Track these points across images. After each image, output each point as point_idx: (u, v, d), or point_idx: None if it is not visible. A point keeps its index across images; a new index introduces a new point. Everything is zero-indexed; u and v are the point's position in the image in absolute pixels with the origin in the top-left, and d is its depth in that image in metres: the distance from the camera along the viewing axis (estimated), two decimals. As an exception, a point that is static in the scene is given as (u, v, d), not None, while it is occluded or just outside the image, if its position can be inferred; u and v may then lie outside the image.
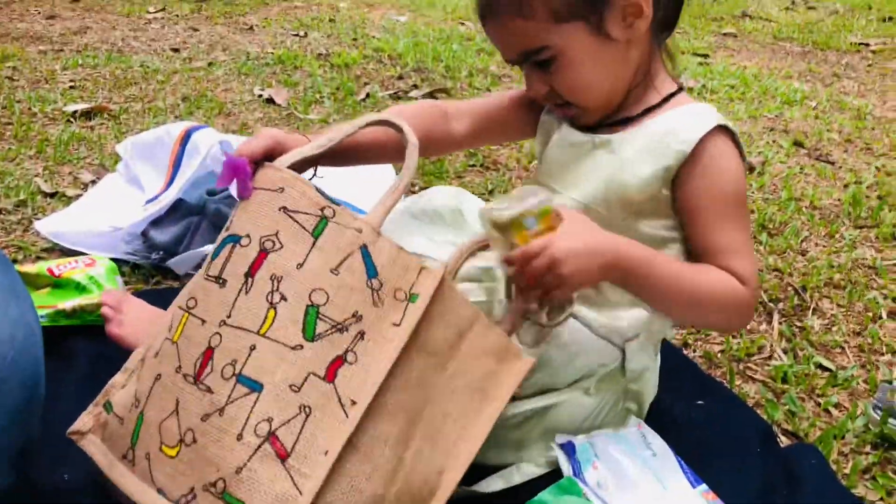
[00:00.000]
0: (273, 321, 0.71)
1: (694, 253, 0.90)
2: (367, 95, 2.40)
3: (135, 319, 0.99)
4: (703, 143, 0.85)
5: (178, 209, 1.33)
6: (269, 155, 0.82)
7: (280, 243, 0.74)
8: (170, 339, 0.75)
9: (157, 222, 1.30)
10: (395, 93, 2.46)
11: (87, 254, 1.25)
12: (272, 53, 2.86)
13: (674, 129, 0.87)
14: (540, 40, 0.84)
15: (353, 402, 0.69)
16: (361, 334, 0.71)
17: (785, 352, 1.21)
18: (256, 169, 0.79)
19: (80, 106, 2.09)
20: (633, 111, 0.91)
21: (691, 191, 0.87)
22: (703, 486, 0.88)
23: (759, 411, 1.06)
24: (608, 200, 0.89)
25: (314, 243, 0.74)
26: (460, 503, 0.80)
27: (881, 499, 0.92)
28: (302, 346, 0.70)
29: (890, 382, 1.05)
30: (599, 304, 0.91)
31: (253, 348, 0.70)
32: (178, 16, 3.50)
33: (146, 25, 3.26)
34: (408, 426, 0.72)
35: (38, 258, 1.29)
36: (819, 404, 1.09)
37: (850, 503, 0.89)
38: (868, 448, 1.00)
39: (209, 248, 1.24)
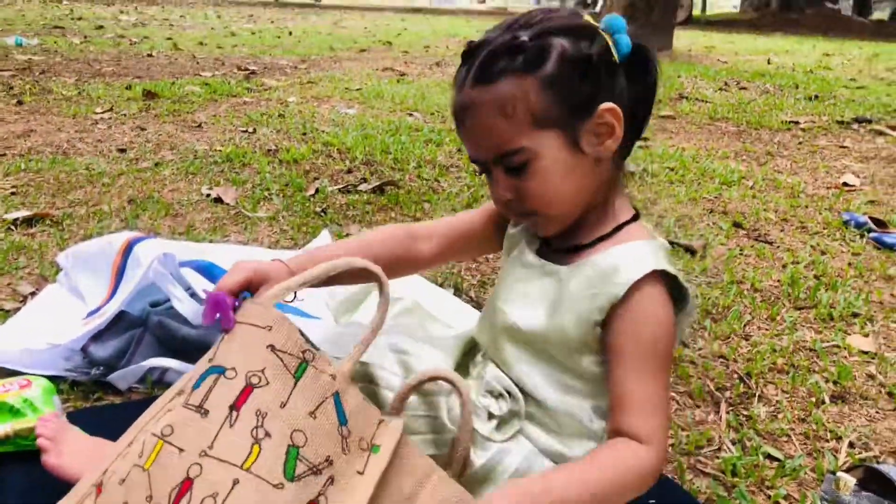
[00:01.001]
0: (258, 457, 0.71)
1: (610, 403, 0.88)
2: (317, 191, 2.43)
3: (74, 449, 0.95)
4: (636, 286, 0.85)
5: (120, 321, 1.30)
6: (248, 286, 0.85)
7: (266, 380, 0.76)
8: (140, 465, 0.73)
9: (97, 337, 1.27)
10: (344, 187, 2.49)
11: (23, 373, 1.21)
12: (220, 151, 2.88)
13: (614, 268, 0.87)
14: (517, 142, 0.85)
15: None
16: (332, 479, 0.73)
17: (734, 442, 1.22)
18: (236, 301, 0.82)
19: (22, 213, 2.06)
20: (586, 238, 0.92)
21: (615, 334, 0.87)
22: None
23: (711, 508, 1.06)
24: (548, 333, 0.90)
25: (296, 384, 0.76)
26: None
27: None
28: (283, 486, 0.71)
29: (834, 473, 1.06)
30: (554, 430, 0.92)
31: (236, 482, 0.70)
32: (125, 115, 3.52)
33: (93, 126, 3.26)
34: None
35: (-30, 381, 1.25)
36: (769, 496, 1.09)
37: None
38: (819, 541, 1.01)
39: (153, 362, 1.23)
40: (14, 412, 1.06)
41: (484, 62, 0.84)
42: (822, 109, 4.37)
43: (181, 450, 0.72)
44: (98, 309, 1.34)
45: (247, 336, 0.79)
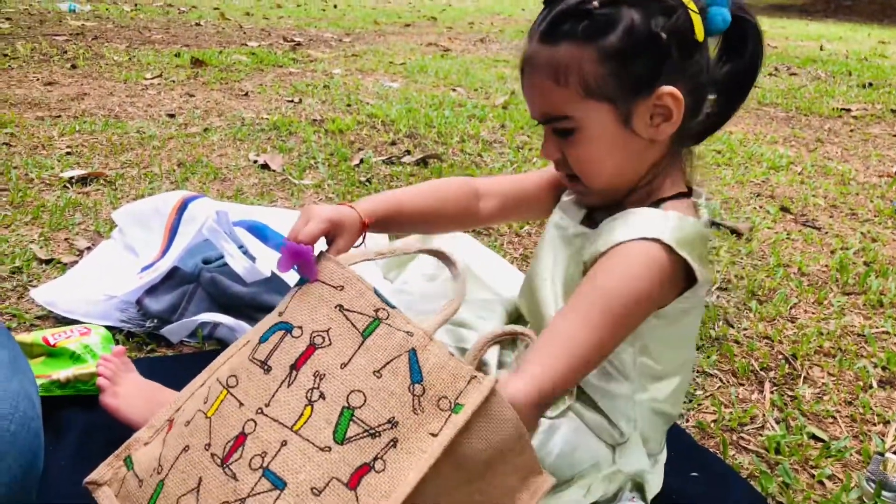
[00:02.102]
0: (308, 419, 0.70)
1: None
2: (361, 161, 2.44)
3: (131, 391, 0.99)
4: (621, 244, 0.82)
5: (173, 277, 1.33)
6: (326, 235, 0.85)
7: (329, 340, 0.75)
8: (204, 412, 0.75)
9: (151, 291, 1.31)
10: (388, 158, 2.50)
11: (81, 322, 1.26)
12: (267, 119, 2.92)
13: (611, 228, 0.85)
14: (564, 109, 0.84)
15: None
16: (394, 442, 0.69)
17: (777, 421, 1.21)
18: (314, 252, 0.81)
19: (77, 172, 2.11)
20: (629, 206, 0.89)
21: (582, 281, 0.83)
22: (699, 563, 0.87)
23: (752, 483, 1.06)
24: (569, 293, 0.89)
25: (362, 343, 0.74)
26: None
27: (878, 575, 0.92)
28: (330, 449, 0.69)
29: (882, 454, 1.05)
30: (594, 404, 0.92)
31: (284, 444, 0.70)
32: (174, 82, 3.57)
33: (143, 91, 3.32)
34: None
35: (33, 326, 1.29)
36: (813, 476, 1.09)
37: (848, 580, 0.88)
38: (863, 522, 1.00)
39: (204, 317, 1.26)
40: (75, 358, 1.10)
41: (552, 20, 0.82)
42: (876, 97, 4.25)
43: (241, 403, 0.74)
44: (151, 264, 1.38)
45: (317, 294, 0.79)
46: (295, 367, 0.74)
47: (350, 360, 0.73)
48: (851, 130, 3.44)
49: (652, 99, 0.82)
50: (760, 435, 1.18)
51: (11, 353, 0.75)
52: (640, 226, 0.83)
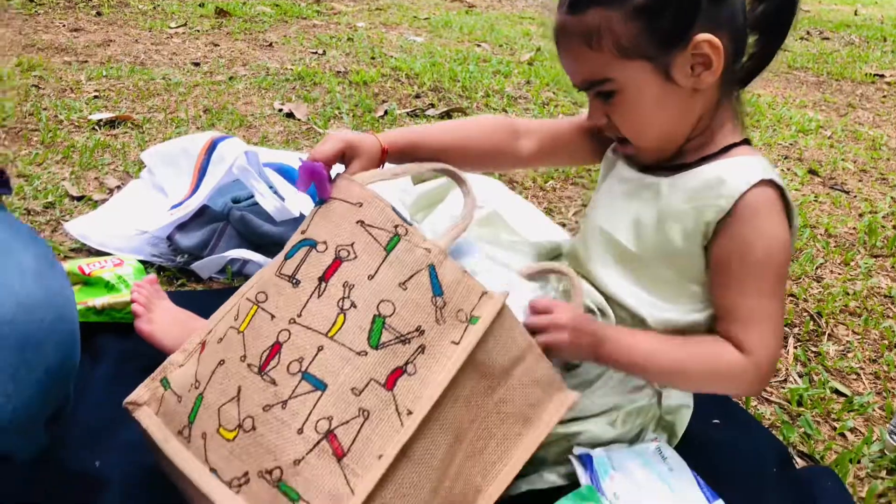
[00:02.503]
0: (342, 326, 0.74)
1: (715, 313, 0.88)
2: (385, 112, 2.43)
3: (164, 317, 1.01)
4: (744, 198, 0.82)
5: (203, 215, 1.35)
6: (342, 157, 0.86)
7: (355, 253, 0.77)
8: (236, 328, 0.78)
9: (182, 227, 1.32)
10: (412, 111, 2.49)
11: (114, 254, 1.28)
12: (291, 70, 2.90)
13: (719, 179, 0.84)
14: (604, 72, 0.84)
15: (410, 413, 0.71)
16: (422, 348, 0.73)
17: (800, 375, 1.21)
18: (330, 171, 0.84)
19: (105, 115, 2.12)
20: (689, 159, 0.89)
21: (723, 246, 0.85)
22: (720, 502, 0.88)
23: (774, 433, 1.07)
24: (655, 249, 0.89)
25: (386, 257, 0.77)
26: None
27: (897, 523, 0.93)
28: (366, 353, 0.72)
29: (906, 407, 1.05)
30: None
31: (320, 349, 0.73)
32: (198, 31, 3.55)
33: (167, 40, 3.30)
34: (454, 442, 0.74)
35: (67, 258, 1.32)
36: (834, 428, 1.09)
37: (867, 525, 0.89)
38: (884, 473, 1.01)
39: (233, 253, 1.27)
40: (109, 287, 1.12)
41: None
42: (910, 65, 4.16)
43: (272, 315, 0.77)
44: (181, 202, 1.39)
45: (338, 211, 0.81)
46: (323, 278, 0.77)
47: (377, 272, 0.76)
48: (884, 96, 3.37)
49: (689, 49, 0.81)
50: (783, 388, 1.18)
51: (45, 251, 0.76)
52: (745, 169, 0.84)
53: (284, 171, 1.41)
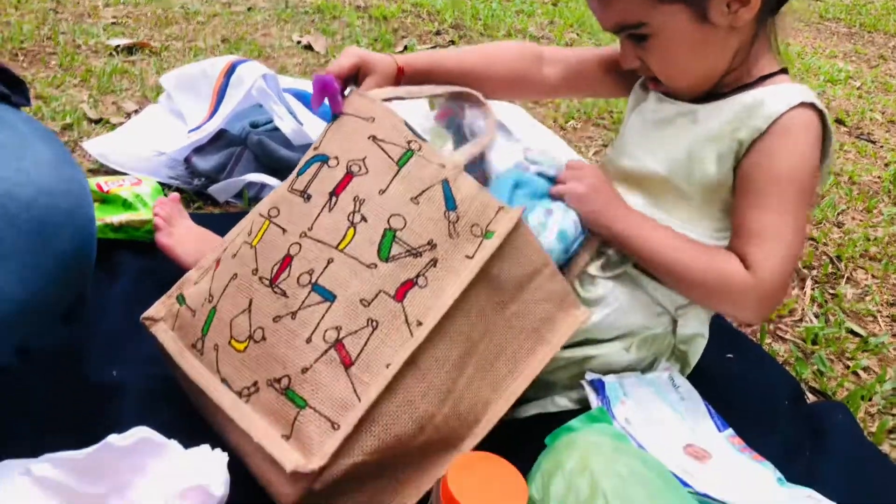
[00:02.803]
0: (352, 239, 0.73)
1: (732, 231, 0.87)
2: (405, 48, 2.40)
3: (184, 233, 1.01)
4: (781, 118, 0.81)
5: (220, 138, 1.34)
6: (356, 71, 0.85)
7: (366, 168, 0.76)
8: (248, 243, 0.78)
9: (199, 150, 1.32)
10: (432, 47, 2.45)
11: (131, 174, 1.28)
12: (311, 2, 2.85)
13: (759, 102, 0.83)
14: (638, 16, 0.82)
15: (419, 323, 0.70)
16: (434, 261, 0.73)
17: (816, 316, 1.21)
18: (345, 86, 0.83)
19: (123, 41, 2.10)
20: (726, 90, 0.88)
21: (750, 163, 0.83)
22: (730, 431, 0.89)
23: (787, 369, 1.07)
24: (687, 173, 0.87)
25: (398, 172, 0.76)
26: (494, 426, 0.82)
27: (906, 458, 0.93)
28: (376, 265, 0.72)
29: (922, 348, 1.05)
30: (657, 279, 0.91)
31: (330, 261, 0.73)
32: (218, -39, 3.49)
33: (187, -31, 3.25)
34: (465, 354, 0.74)
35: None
36: (848, 367, 1.09)
37: (876, 458, 0.90)
38: (895, 410, 1.01)
39: (251, 177, 1.27)
40: (127, 205, 1.12)
41: None
42: (946, 18, 4.03)
43: (284, 230, 0.77)
44: (200, 126, 1.38)
45: (350, 126, 0.80)
46: (334, 193, 0.76)
47: (388, 186, 0.75)
48: (917, 49, 3.28)
49: None
50: (798, 327, 1.18)
51: (61, 149, 0.75)
52: (785, 93, 0.82)
53: (303, 97, 1.40)
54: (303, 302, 0.72)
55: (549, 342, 0.79)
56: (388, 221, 0.74)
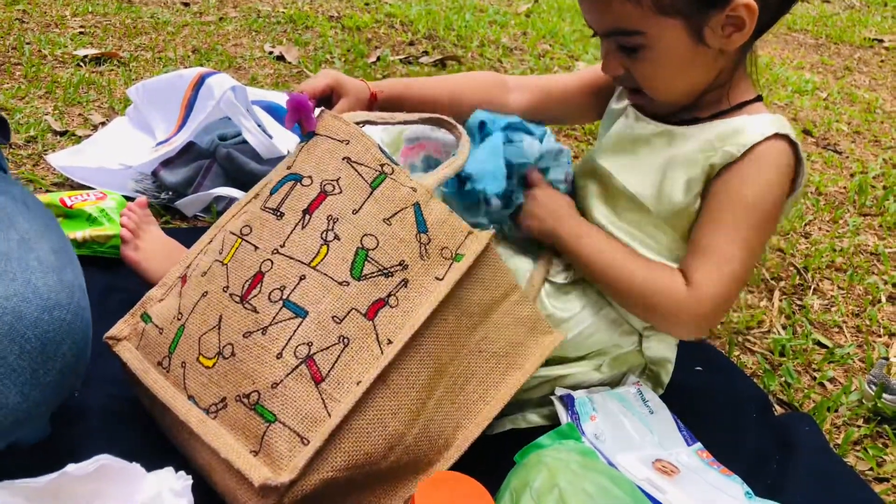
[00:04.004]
0: (325, 256, 0.74)
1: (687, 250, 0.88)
2: (378, 59, 2.39)
3: (152, 247, 0.99)
4: (756, 147, 0.82)
5: (189, 152, 1.32)
6: (329, 93, 0.87)
7: (339, 188, 0.77)
8: (220, 261, 0.78)
9: (167, 163, 1.30)
10: (405, 58, 2.45)
11: (96, 189, 1.26)
12: (283, 12, 2.84)
13: (736, 130, 0.84)
14: (635, 24, 0.81)
15: (390, 342, 0.71)
16: (405, 282, 0.74)
17: (784, 327, 1.22)
18: (317, 106, 0.84)
19: (91, 51, 2.07)
20: (704, 114, 0.89)
21: (717, 186, 0.85)
22: (698, 445, 0.89)
23: (755, 381, 1.08)
24: (657, 194, 0.88)
25: (371, 193, 0.77)
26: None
27: (871, 469, 0.94)
28: (348, 283, 0.72)
29: (886, 359, 1.06)
30: None
31: (302, 278, 0.73)
32: (190, -30, 3.46)
33: (158, -22, 3.22)
34: (434, 376, 0.74)
35: (48, 192, 1.29)
36: (815, 378, 1.10)
37: (841, 469, 0.90)
38: (860, 422, 1.02)
39: (219, 191, 1.26)
40: (91, 220, 1.11)
41: None
42: (910, 30, 4.12)
43: (256, 247, 0.77)
44: (168, 139, 1.37)
45: (323, 147, 0.80)
46: (308, 211, 0.77)
47: (361, 207, 0.76)
48: (882, 61, 3.35)
49: (726, 11, 0.80)
50: (766, 338, 1.19)
51: (61, 241, 0.76)
52: (762, 123, 0.84)
53: (273, 110, 1.39)
54: (274, 317, 0.71)
55: (521, 367, 0.80)
56: (361, 241, 0.74)
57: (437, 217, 0.77)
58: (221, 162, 1.30)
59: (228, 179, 1.30)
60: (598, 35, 0.87)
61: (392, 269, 0.74)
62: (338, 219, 0.75)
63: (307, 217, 0.76)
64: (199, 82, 1.38)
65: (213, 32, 2.48)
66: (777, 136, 0.83)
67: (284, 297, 0.72)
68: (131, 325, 0.83)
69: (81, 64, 1.99)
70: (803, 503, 0.83)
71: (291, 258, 0.74)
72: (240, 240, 0.78)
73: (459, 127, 0.89)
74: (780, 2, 0.85)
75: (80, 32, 2.29)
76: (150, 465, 0.69)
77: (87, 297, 0.74)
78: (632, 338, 0.93)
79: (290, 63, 2.25)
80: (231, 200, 1.26)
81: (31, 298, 0.64)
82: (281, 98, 1.61)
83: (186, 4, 2.82)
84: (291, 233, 0.76)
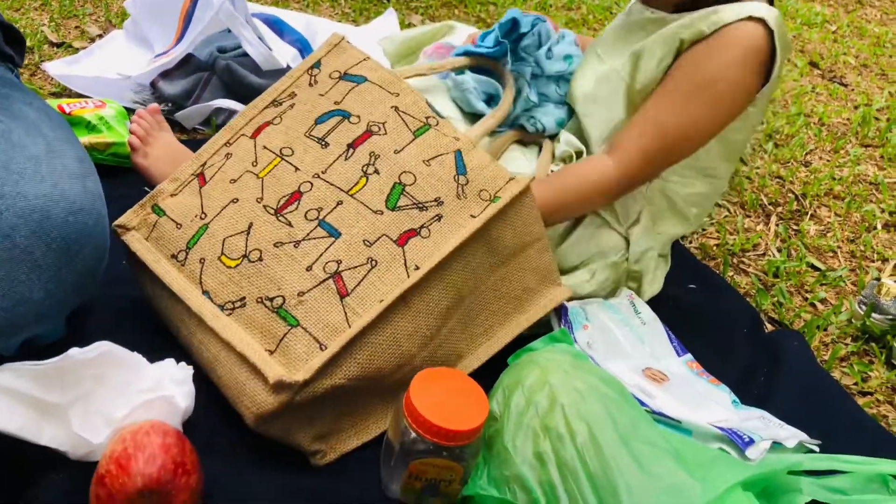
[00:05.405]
0: (363, 187, 0.77)
1: None
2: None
3: (161, 153, 0.98)
4: (726, 27, 0.82)
5: (188, 63, 1.31)
6: None
7: (385, 130, 0.80)
8: (254, 173, 0.80)
9: (166, 74, 1.29)
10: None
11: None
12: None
13: (714, 11, 0.84)
14: None
15: (417, 268, 0.73)
16: (439, 217, 0.76)
17: (779, 250, 1.23)
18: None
19: (86, -37, 2.02)
20: (704, 4, 0.88)
21: (679, 62, 0.85)
22: (689, 356, 0.91)
23: (748, 300, 1.09)
24: (633, 68, 0.89)
25: (414, 139, 0.80)
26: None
27: (855, 383, 0.97)
28: (382, 213, 0.75)
29: (878, 279, 1.08)
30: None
31: (339, 203, 0.76)
32: None
33: None
34: (452, 305, 0.76)
35: (47, 100, 1.28)
36: (806, 299, 1.12)
37: (827, 382, 0.93)
38: (848, 340, 1.04)
39: (218, 103, 1.25)
40: (90, 127, 1.10)
41: None
42: (926, -34, 4.02)
43: (297, 168, 0.80)
44: (167, 51, 1.35)
45: (374, 95, 0.84)
46: (352, 145, 0.80)
47: (403, 148, 0.79)
48: (895, -5, 3.28)
49: None
50: (761, 260, 1.20)
51: (82, 151, 0.78)
52: (742, 7, 0.83)
53: (273, 22, 1.37)
54: (308, 234, 0.74)
55: (526, 312, 0.83)
56: (399, 177, 0.77)
57: (478, 163, 0.79)
58: (220, 74, 1.28)
59: (228, 91, 1.29)
60: None
61: (427, 204, 0.76)
62: (379, 156, 0.79)
63: (350, 151, 0.80)
64: (198, -7, 1.35)
65: (212, -51, 2.41)
66: (751, 18, 0.82)
67: (321, 217, 0.75)
68: (141, 215, 0.84)
69: (77, -24, 1.95)
70: (788, 413, 0.85)
71: (331, 184, 0.78)
72: (279, 158, 0.81)
73: (508, 72, 0.93)
74: None
75: (75, -55, 2.23)
76: (153, 359, 0.71)
77: (105, 207, 0.75)
78: (618, 241, 0.94)
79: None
80: (231, 112, 1.26)
81: (59, 200, 0.67)
82: (279, 13, 1.58)
83: (184, -79, 2.74)
84: (334, 162, 0.79)
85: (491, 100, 0.98)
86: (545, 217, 0.84)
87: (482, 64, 0.97)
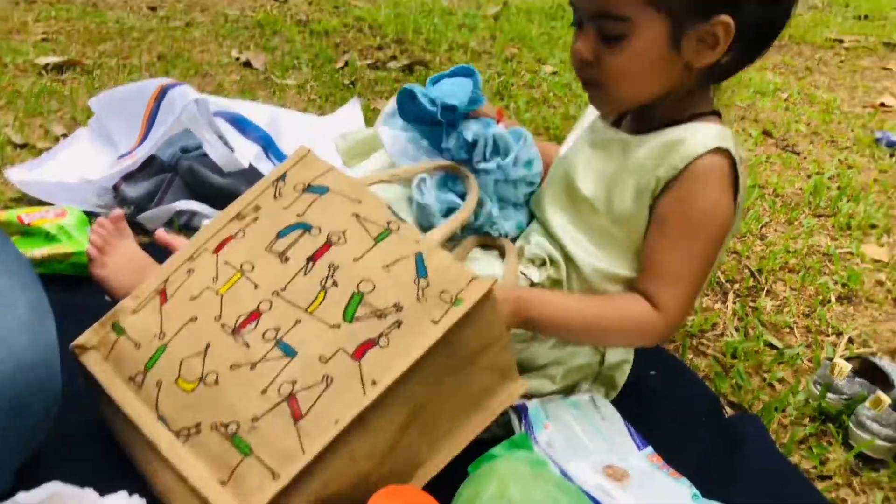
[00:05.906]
0: (321, 302, 0.76)
1: (640, 266, 0.91)
2: (346, 64, 2.40)
3: (120, 262, 0.98)
4: (697, 161, 0.84)
5: (150, 165, 1.33)
6: None
7: (345, 239, 0.81)
8: (214, 289, 0.81)
9: (128, 177, 1.31)
10: (373, 63, 2.46)
11: (56, 205, 1.26)
12: (251, 17, 2.84)
13: (679, 140, 0.86)
14: (624, 11, 0.82)
15: (374, 383, 0.72)
16: (398, 323, 0.74)
17: (737, 329, 1.26)
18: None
19: (53, 59, 2.06)
20: (657, 124, 0.90)
21: (665, 203, 0.87)
22: (649, 449, 0.92)
23: (707, 384, 1.11)
24: (608, 200, 0.91)
25: (374, 245, 0.80)
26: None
27: (814, 467, 0.98)
28: (339, 326, 0.75)
29: (831, 359, 1.10)
30: None
31: (297, 322, 0.76)
32: (156, -26, 3.44)
33: (123, -18, 3.20)
34: (411, 416, 0.75)
35: (7, 207, 1.29)
36: (765, 379, 1.14)
37: (785, 468, 0.94)
38: (806, 420, 1.06)
39: (181, 205, 1.27)
40: (49, 238, 1.11)
41: None
42: (870, 30, 4.20)
43: (256, 285, 0.80)
44: (129, 152, 1.37)
45: (336, 202, 0.85)
46: (312, 258, 0.80)
47: (363, 255, 0.79)
48: (842, 61, 3.42)
49: (707, 24, 0.82)
50: (719, 341, 1.22)
51: (41, 297, 0.76)
52: (704, 135, 0.86)
53: (236, 121, 1.40)
54: (265, 355, 0.74)
55: (487, 409, 0.82)
56: (358, 286, 0.77)
57: (439, 265, 0.78)
58: (183, 175, 1.31)
59: (190, 192, 1.31)
60: (580, 20, 0.88)
61: (385, 311, 0.75)
62: (339, 266, 0.79)
63: (310, 264, 0.80)
64: (161, 94, 1.38)
65: (180, 38, 2.47)
66: (719, 150, 0.85)
67: (278, 337, 0.75)
68: (101, 334, 0.83)
69: (43, 72, 1.98)
70: (747, 502, 0.86)
71: (290, 302, 0.78)
72: (239, 274, 0.82)
73: (471, 177, 0.94)
74: (749, 43, 0.87)
75: (43, 39, 2.28)
76: (107, 489, 0.70)
77: (58, 356, 0.73)
78: (587, 349, 0.96)
79: (256, 69, 2.25)
80: (193, 214, 1.27)
81: (5, 359, 0.65)
82: (244, 107, 1.62)
83: (153, 9, 2.82)
84: (294, 278, 0.79)
85: (451, 212, 0.99)
86: (573, 336, 0.91)
87: (445, 169, 0.98)
